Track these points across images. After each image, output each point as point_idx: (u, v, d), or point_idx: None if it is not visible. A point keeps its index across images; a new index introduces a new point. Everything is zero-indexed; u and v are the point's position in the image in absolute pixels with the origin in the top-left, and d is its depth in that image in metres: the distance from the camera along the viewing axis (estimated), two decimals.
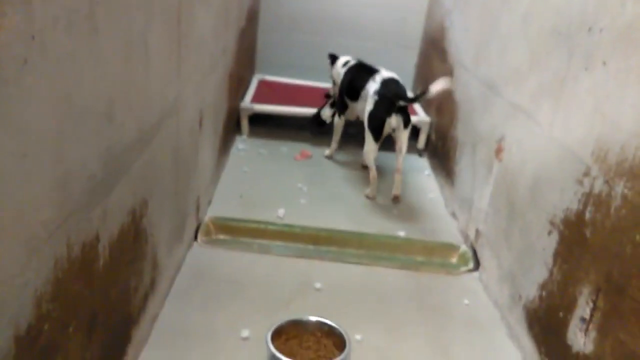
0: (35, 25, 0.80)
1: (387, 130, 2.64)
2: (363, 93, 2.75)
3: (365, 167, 2.72)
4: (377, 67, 2.87)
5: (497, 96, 2.21)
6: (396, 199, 2.74)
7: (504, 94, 2.13)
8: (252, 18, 3.60)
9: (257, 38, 4.05)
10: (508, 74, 2.11)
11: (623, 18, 1.37)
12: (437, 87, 2.55)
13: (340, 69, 3.07)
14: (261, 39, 4.08)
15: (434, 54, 3.53)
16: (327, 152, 3.24)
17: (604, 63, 1.43)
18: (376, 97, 2.63)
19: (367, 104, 2.68)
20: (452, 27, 3.13)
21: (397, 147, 2.70)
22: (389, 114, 2.60)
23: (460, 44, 2.91)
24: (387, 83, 2.67)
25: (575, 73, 1.58)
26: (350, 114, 3.09)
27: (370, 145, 2.68)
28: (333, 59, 3.21)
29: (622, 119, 1.32)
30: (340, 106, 3.10)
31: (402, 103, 2.60)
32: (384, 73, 2.76)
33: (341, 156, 3.27)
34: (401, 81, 2.74)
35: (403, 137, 2.67)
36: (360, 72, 2.86)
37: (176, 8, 1.58)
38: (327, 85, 3.98)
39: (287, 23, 4.05)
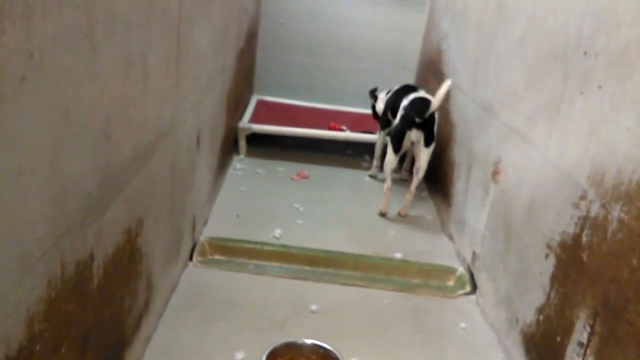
0: (34, 42, 0.80)
1: (407, 143, 2.75)
2: (399, 110, 2.87)
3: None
4: (419, 88, 3.03)
5: (493, 118, 2.22)
6: (401, 216, 2.85)
7: (500, 116, 2.15)
8: (251, 39, 3.63)
9: (256, 59, 4.08)
10: (504, 96, 2.13)
11: (618, 42, 1.38)
12: (438, 96, 2.61)
13: (385, 98, 3.28)
14: (260, 59, 4.11)
15: (431, 76, 3.56)
16: (370, 172, 3.37)
17: (600, 87, 1.44)
18: (402, 112, 2.76)
19: (397, 118, 2.81)
20: (449, 49, 3.16)
21: (415, 167, 2.79)
22: (409, 127, 2.69)
23: (457, 66, 2.93)
24: (416, 101, 2.76)
25: (571, 96, 1.59)
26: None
27: (389, 156, 2.81)
28: (375, 97, 3.42)
29: (618, 143, 1.33)
30: (383, 122, 3.23)
31: (417, 120, 2.66)
32: (420, 93, 2.87)
33: (338, 176, 3.27)
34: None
35: (423, 156, 2.74)
36: (402, 92, 3.00)
37: (175, 27, 1.59)
38: (324, 106, 4.02)
39: (286, 44, 4.09)
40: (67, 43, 0.90)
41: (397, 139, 2.76)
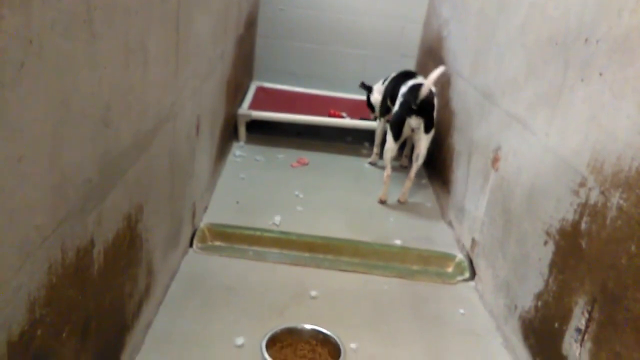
0: (33, 29, 0.80)
1: (407, 130, 2.74)
2: (398, 97, 2.86)
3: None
4: (417, 74, 3.04)
5: (493, 105, 2.21)
6: (400, 203, 2.86)
7: (500, 103, 2.14)
8: (250, 25, 3.61)
9: (256, 45, 4.07)
10: (505, 83, 2.12)
11: (619, 29, 1.38)
12: (429, 81, 2.62)
13: (381, 87, 3.29)
14: (260, 46, 4.09)
15: (431, 62, 3.54)
16: (369, 159, 3.36)
17: (600, 74, 1.44)
18: (401, 99, 2.76)
19: (396, 105, 2.81)
20: (450, 36, 3.15)
21: (415, 154, 2.80)
22: (409, 114, 2.69)
23: (458, 53, 2.92)
24: (414, 88, 2.74)
25: (572, 83, 1.59)
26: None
27: (389, 144, 2.81)
28: (369, 88, 3.42)
29: (618, 130, 1.33)
30: (382, 109, 3.22)
31: (413, 106, 2.66)
32: (418, 79, 2.86)
33: (338, 163, 3.27)
34: (433, 89, 2.74)
35: (422, 143, 2.74)
36: (401, 78, 3.00)
37: (175, 13, 1.58)
38: (324, 93, 4.01)
39: (285, 31, 4.07)
40: (66, 29, 0.90)
41: (397, 126, 2.75)
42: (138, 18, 1.26)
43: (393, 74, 3.20)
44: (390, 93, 3.07)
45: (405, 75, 3.03)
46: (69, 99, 0.94)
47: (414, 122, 2.69)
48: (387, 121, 3.15)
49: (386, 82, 3.23)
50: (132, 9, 1.21)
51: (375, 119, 3.43)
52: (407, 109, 2.69)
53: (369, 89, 3.42)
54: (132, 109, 1.29)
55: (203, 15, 1.97)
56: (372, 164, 3.33)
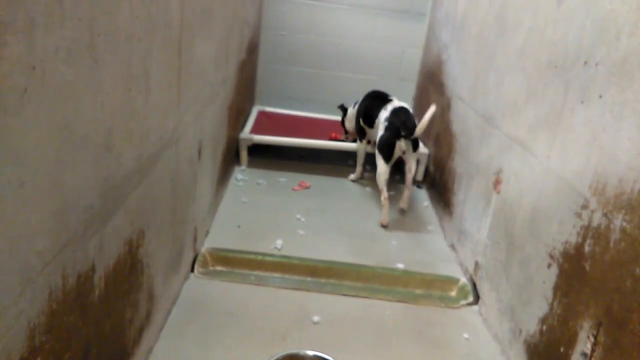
0: (36, 55, 0.80)
1: (397, 152, 2.82)
2: (377, 121, 2.95)
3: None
4: (390, 96, 3.10)
5: (494, 128, 2.22)
6: (402, 211, 2.96)
7: (500, 126, 2.15)
8: (252, 50, 3.65)
9: (257, 70, 4.10)
10: (505, 106, 2.13)
11: (618, 52, 1.39)
12: (423, 122, 2.69)
13: (352, 111, 3.40)
14: (261, 70, 4.13)
15: (431, 86, 3.57)
16: (351, 176, 3.43)
17: (600, 96, 1.44)
18: (386, 123, 2.83)
19: (379, 129, 2.88)
20: (449, 60, 3.17)
21: (407, 167, 2.89)
22: (398, 138, 2.77)
23: (458, 76, 2.94)
24: (398, 112, 2.83)
25: (572, 106, 1.60)
26: (368, 137, 3.28)
27: (381, 168, 2.85)
28: (345, 110, 3.54)
29: (620, 152, 1.33)
30: (359, 132, 3.30)
31: (403, 133, 2.74)
32: (396, 102, 2.95)
33: (339, 187, 3.27)
34: (411, 110, 2.88)
35: (412, 159, 2.86)
36: (375, 101, 3.08)
37: (177, 39, 1.60)
38: (325, 117, 4.03)
39: (287, 56, 4.11)
40: (69, 56, 0.91)
41: (388, 150, 2.81)
42: (140, 44, 1.27)
43: (362, 97, 3.30)
44: (362, 114, 3.15)
45: (377, 97, 3.10)
46: (71, 124, 0.95)
47: (404, 144, 2.79)
48: (368, 142, 3.26)
49: (357, 105, 3.31)
50: (134, 35, 1.22)
51: (347, 140, 3.56)
52: (396, 133, 2.77)
53: (345, 111, 3.52)
54: (134, 134, 1.30)
55: (205, 41, 1.99)
56: (354, 181, 3.39)
